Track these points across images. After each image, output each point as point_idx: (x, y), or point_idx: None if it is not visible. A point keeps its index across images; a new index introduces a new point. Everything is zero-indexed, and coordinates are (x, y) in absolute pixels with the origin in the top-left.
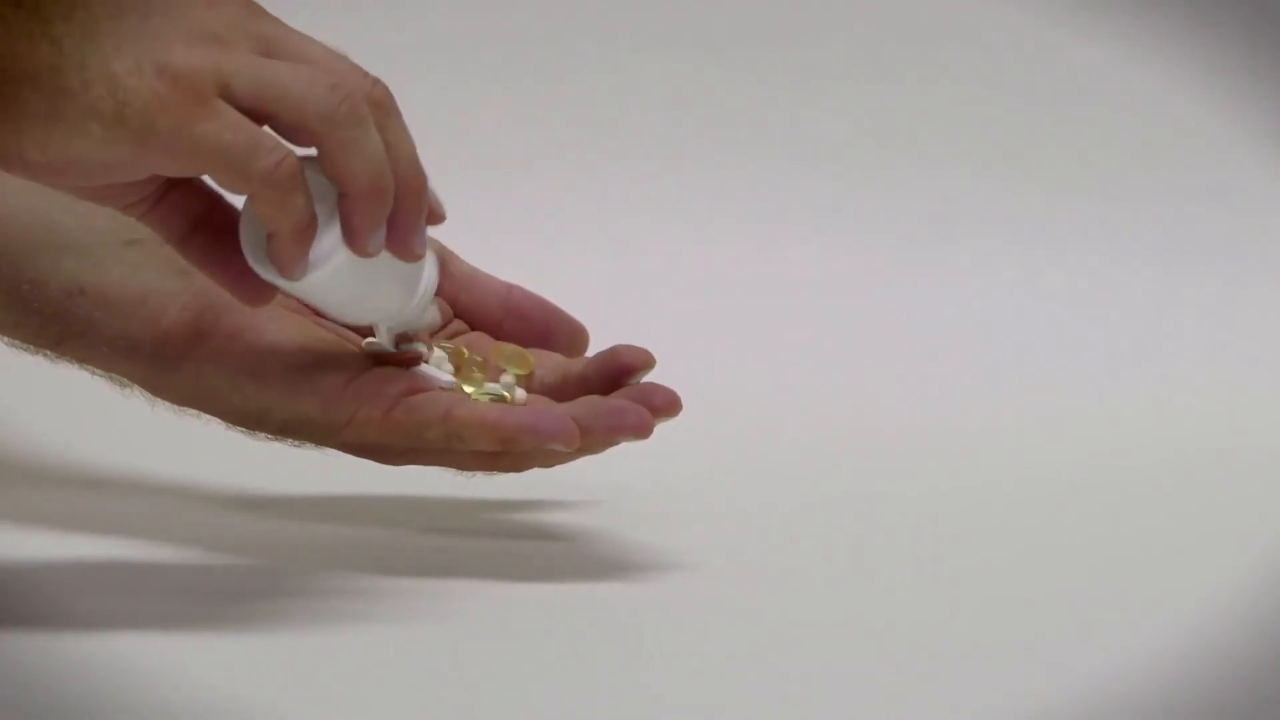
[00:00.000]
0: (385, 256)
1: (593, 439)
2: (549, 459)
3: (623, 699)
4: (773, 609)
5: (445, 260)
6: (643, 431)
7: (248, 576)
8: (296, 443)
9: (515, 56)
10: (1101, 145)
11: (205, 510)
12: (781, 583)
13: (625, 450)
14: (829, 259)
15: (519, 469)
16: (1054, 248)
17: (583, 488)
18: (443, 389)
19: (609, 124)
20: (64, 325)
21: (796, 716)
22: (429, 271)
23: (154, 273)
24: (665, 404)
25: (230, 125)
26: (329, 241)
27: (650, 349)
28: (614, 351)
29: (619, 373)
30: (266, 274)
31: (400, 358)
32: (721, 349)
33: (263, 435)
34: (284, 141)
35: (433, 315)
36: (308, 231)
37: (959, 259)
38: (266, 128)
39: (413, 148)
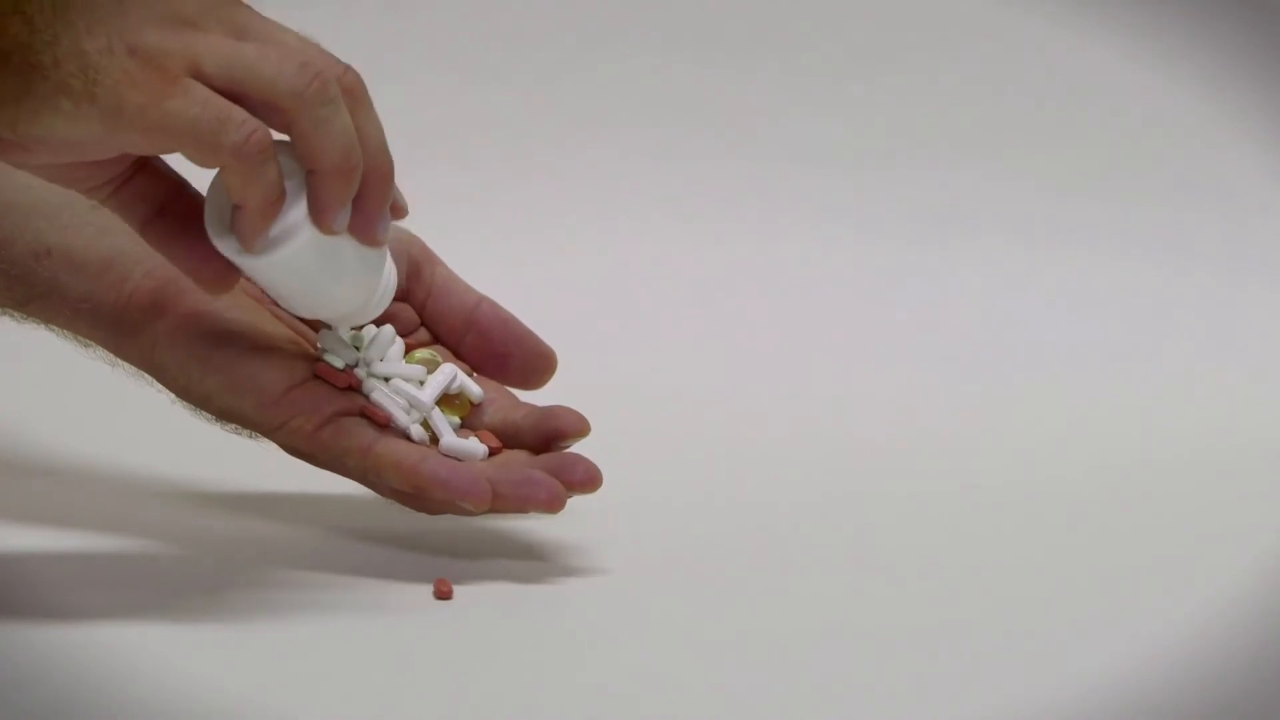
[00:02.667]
0: (348, 249)
1: (503, 503)
2: (462, 510)
3: (620, 699)
4: (770, 609)
5: (424, 264)
6: (552, 506)
7: (231, 571)
8: (235, 430)
9: (515, 56)
10: (1102, 145)
11: (193, 504)
12: (779, 583)
13: (624, 451)
14: (829, 259)
15: (432, 513)
16: (1054, 248)
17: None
18: (379, 415)
19: (608, 124)
20: (29, 286)
21: (797, 717)
22: (389, 275)
23: (121, 237)
24: (583, 480)
25: (199, 101)
26: (294, 220)
27: (647, 351)
28: (551, 413)
29: (552, 435)
30: (228, 250)
31: (338, 378)
32: (720, 349)
33: (206, 416)
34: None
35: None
36: (276, 205)
37: (959, 259)
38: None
39: (382, 134)
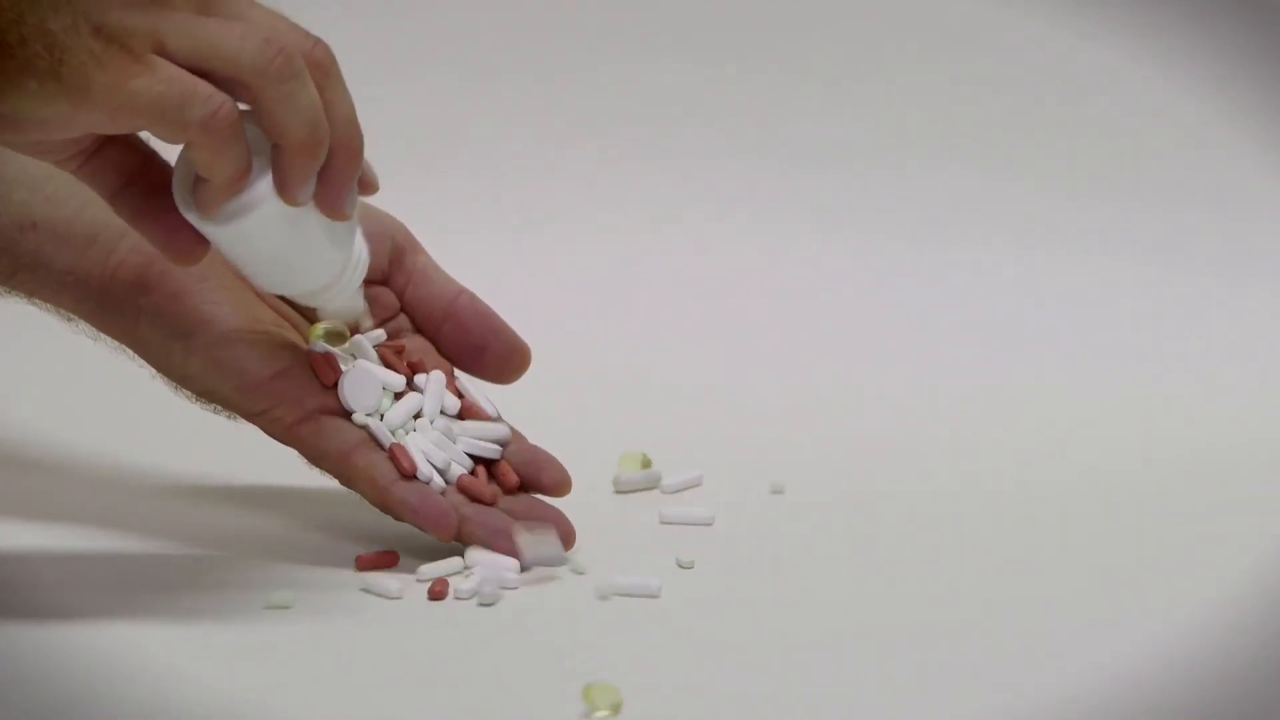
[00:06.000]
0: (314, 222)
1: (470, 540)
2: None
3: (628, 697)
4: (768, 608)
5: (407, 249)
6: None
7: (231, 571)
8: (215, 409)
9: (514, 56)
10: (1101, 145)
11: (191, 503)
12: (777, 582)
13: (621, 449)
14: (829, 259)
15: (400, 520)
16: (1054, 248)
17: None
18: (360, 421)
19: (606, 124)
20: (15, 259)
21: (796, 717)
22: (359, 253)
23: (105, 209)
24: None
25: (164, 79)
26: (259, 190)
27: (645, 350)
28: (538, 462)
29: (532, 484)
30: (195, 219)
31: (326, 374)
32: (719, 348)
33: (185, 394)
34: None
35: (360, 303)
36: (241, 179)
37: (959, 259)
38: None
39: (352, 109)
